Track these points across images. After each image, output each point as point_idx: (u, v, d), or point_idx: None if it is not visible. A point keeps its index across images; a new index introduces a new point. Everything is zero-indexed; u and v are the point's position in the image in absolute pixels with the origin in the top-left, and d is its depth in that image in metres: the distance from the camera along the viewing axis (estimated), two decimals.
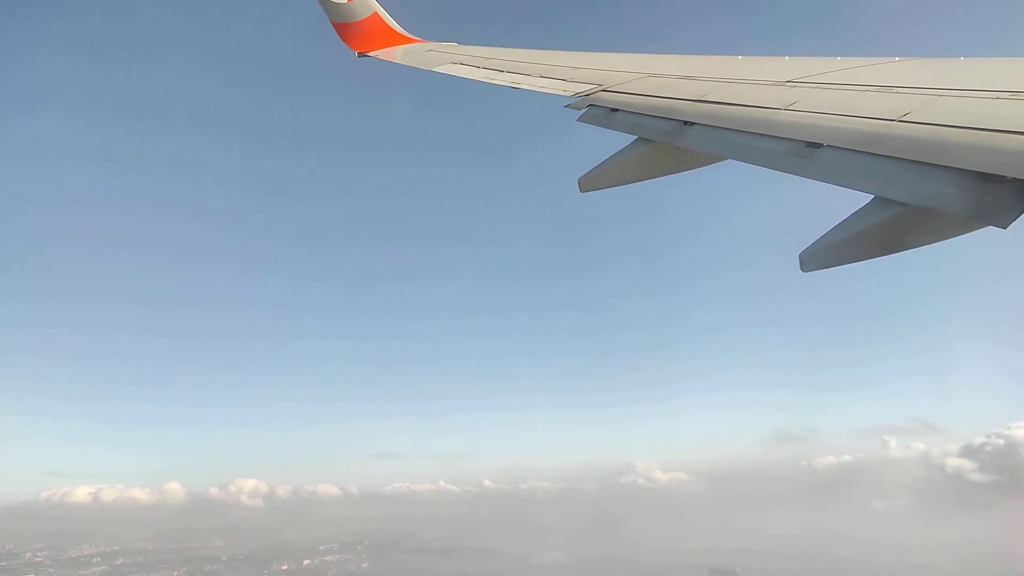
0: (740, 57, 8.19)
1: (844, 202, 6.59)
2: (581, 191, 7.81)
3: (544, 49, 10.40)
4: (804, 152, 6.67)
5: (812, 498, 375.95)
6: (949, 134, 5.84)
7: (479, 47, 11.73)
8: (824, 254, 6.54)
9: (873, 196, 6.25)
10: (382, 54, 14.41)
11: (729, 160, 7.60)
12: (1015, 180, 5.19)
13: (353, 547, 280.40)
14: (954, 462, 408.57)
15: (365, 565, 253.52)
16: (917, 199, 5.82)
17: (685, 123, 7.12)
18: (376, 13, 15.01)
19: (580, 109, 7.94)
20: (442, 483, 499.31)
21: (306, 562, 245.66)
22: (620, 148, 7.59)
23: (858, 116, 6.61)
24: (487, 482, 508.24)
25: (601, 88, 8.07)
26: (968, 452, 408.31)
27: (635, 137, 7.51)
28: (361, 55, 14.75)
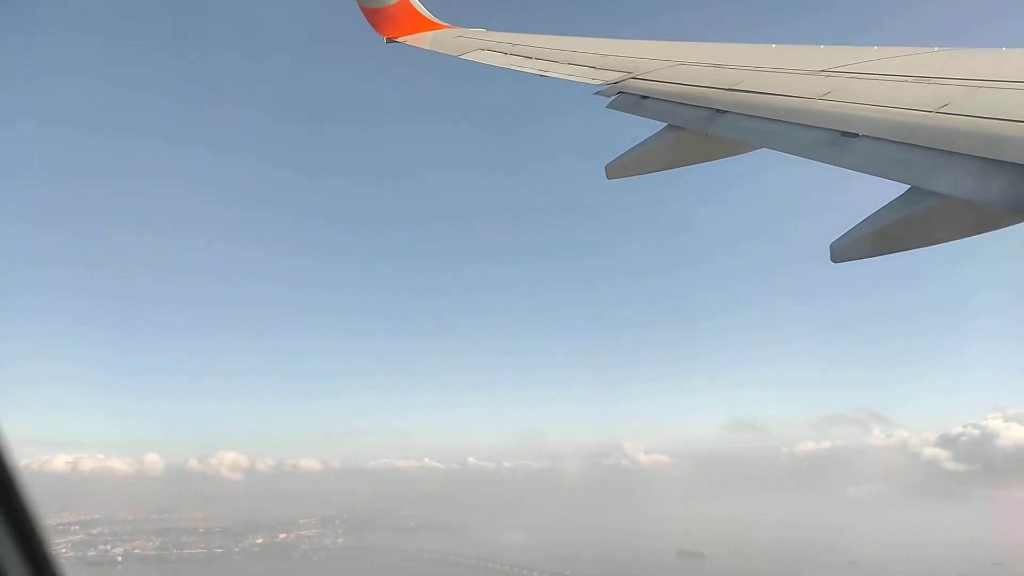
0: (772, 45, 8.16)
1: (877, 195, 6.55)
2: (608, 178, 7.76)
3: (572, 36, 10.37)
4: (839, 141, 6.63)
5: (788, 483, 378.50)
6: (990, 126, 5.79)
7: (507, 33, 11.70)
8: (856, 245, 6.50)
9: (909, 187, 6.21)
10: (411, 40, 14.37)
11: (758, 151, 7.56)
12: None
13: (331, 522, 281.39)
14: (930, 451, 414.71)
15: (340, 540, 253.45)
16: (956, 190, 5.77)
17: (717, 111, 7.07)
18: None
19: (609, 96, 7.90)
20: (427, 459, 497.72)
21: (281, 536, 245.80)
22: (649, 136, 7.55)
23: (895, 107, 6.56)
24: (471, 459, 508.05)
25: (630, 76, 8.04)
26: (944, 442, 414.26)
27: (664, 125, 7.47)
28: (390, 40, 14.70)
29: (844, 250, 6.75)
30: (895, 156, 6.37)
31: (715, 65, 7.66)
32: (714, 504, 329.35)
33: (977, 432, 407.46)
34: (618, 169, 7.67)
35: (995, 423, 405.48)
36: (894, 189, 6.43)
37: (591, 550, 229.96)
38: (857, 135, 6.56)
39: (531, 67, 9.34)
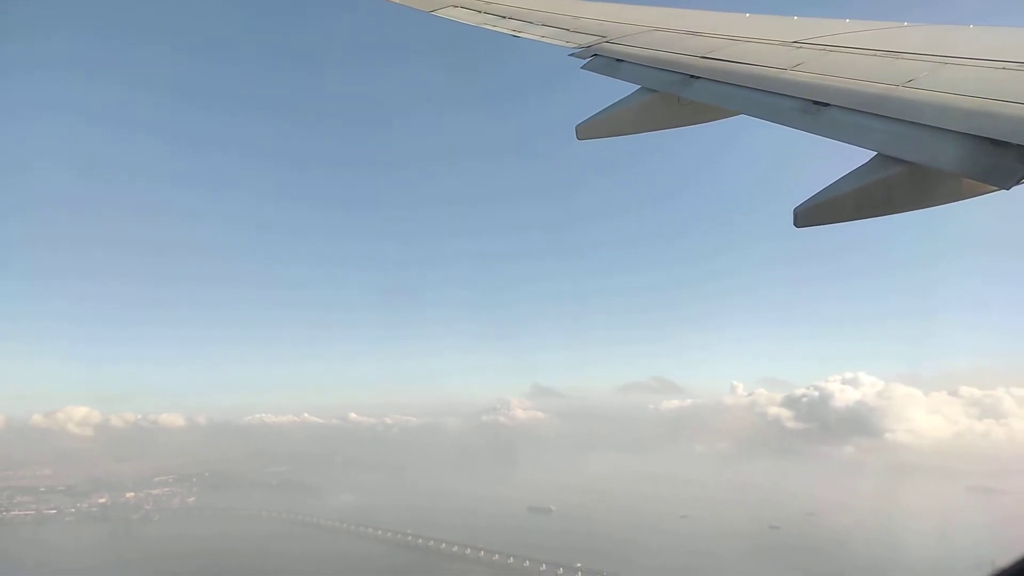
0: (747, 15, 8.42)
1: (846, 163, 6.89)
2: (579, 138, 7.85)
3: None
4: (811, 109, 6.93)
5: (647, 440, 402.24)
6: (953, 100, 6.18)
7: None
8: (820, 210, 6.81)
9: (876, 153, 6.56)
10: None
11: (726, 120, 7.81)
12: (1018, 145, 5.57)
13: (189, 480, 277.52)
14: (775, 411, 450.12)
15: (191, 500, 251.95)
16: (921, 158, 6.12)
17: (692, 76, 7.26)
18: None
19: (584, 59, 7.99)
20: (306, 415, 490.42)
21: (128, 495, 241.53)
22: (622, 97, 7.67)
23: (864, 80, 6.91)
24: (353, 415, 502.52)
25: (605, 40, 8.13)
26: (789, 402, 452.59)
27: (638, 88, 7.61)
28: None
29: (808, 215, 7.05)
30: (863, 125, 6.65)
31: (690, 32, 7.85)
32: (575, 460, 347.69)
33: (817, 394, 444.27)
34: (590, 130, 7.76)
35: (833, 385, 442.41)
36: (863, 158, 6.78)
37: (447, 503, 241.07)
38: (828, 104, 6.87)
39: (504, 27, 9.28)
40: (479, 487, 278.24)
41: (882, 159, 6.47)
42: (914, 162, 6.18)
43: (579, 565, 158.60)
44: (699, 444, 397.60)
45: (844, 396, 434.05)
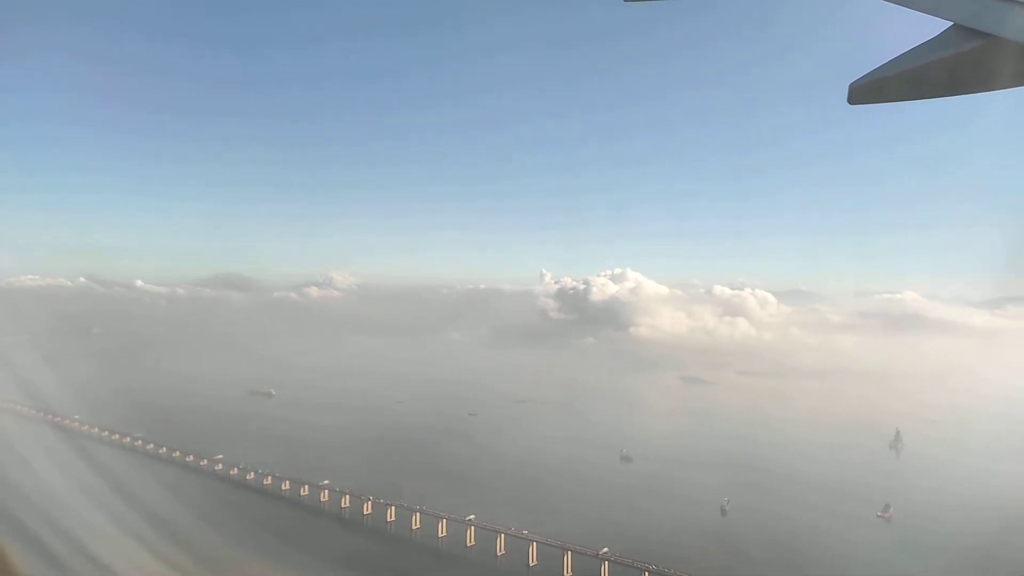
0: None
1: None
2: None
3: None
4: None
5: (417, 324, 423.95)
6: None
7: None
8: (879, 86, 6.43)
9: (951, 25, 6.20)
10: None
11: None
12: None
13: None
14: (542, 302, 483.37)
15: None
16: (1005, 31, 5.81)
17: None
18: None
19: None
20: (82, 279, 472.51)
21: None
22: None
23: None
24: (139, 283, 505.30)
25: None
26: (559, 294, 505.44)
27: None
28: None
29: (864, 91, 6.63)
30: None
31: None
32: (338, 341, 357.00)
33: (583, 287, 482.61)
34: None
35: (600, 280, 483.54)
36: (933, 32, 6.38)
37: (171, 383, 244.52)
38: None
39: None
40: (219, 366, 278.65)
41: (958, 31, 6.13)
42: (996, 35, 5.86)
43: (220, 457, 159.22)
44: (458, 331, 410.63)
45: (604, 291, 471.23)
